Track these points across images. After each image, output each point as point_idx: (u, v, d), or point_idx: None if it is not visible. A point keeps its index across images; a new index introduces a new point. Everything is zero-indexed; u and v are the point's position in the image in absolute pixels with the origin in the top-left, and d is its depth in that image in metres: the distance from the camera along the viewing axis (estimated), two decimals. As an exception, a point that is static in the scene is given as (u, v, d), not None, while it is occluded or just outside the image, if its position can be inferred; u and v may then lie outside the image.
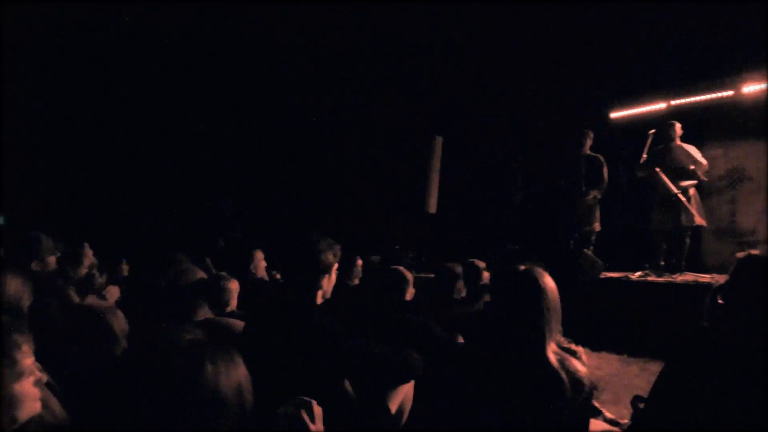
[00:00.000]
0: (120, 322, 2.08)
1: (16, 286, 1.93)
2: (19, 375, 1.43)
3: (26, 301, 1.94)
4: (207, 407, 1.20)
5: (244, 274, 4.91)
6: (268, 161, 11.73)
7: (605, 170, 7.39)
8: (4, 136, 9.76)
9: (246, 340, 2.50)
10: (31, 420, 1.46)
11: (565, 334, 2.19)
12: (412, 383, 2.84)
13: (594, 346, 5.85)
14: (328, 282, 2.62)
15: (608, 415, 3.84)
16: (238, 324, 3.36)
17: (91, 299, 3.05)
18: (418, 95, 10.37)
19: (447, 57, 9.95)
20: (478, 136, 10.15)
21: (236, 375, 1.30)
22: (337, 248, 2.66)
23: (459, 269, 4.38)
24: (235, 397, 1.27)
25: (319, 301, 2.63)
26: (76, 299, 3.72)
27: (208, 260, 6.56)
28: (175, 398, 1.17)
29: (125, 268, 6.23)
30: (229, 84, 11.30)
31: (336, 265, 2.63)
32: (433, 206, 9.80)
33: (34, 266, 3.72)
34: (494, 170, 10.26)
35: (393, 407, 2.72)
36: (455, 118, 10.08)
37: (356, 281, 4.86)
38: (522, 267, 2.07)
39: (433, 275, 5.07)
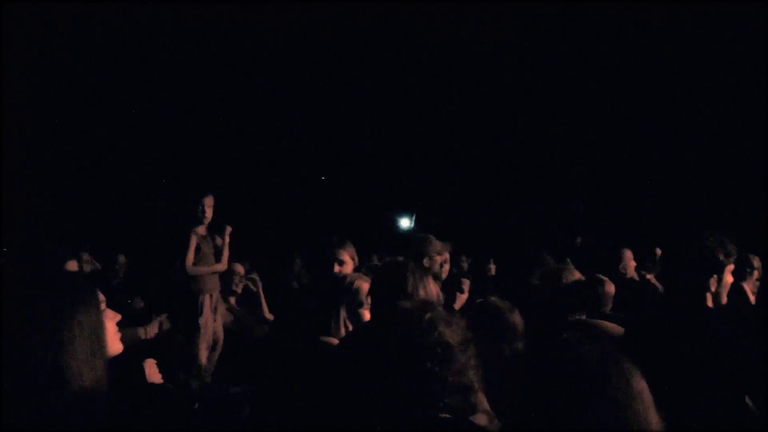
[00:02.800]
0: (519, 320, 2.18)
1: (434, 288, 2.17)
2: None
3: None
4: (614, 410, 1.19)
5: (612, 275, 4.74)
6: (623, 161, 11.20)
7: None
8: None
9: (631, 345, 2.40)
10: None
11: None
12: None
13: None
14: (720, 284, 2.37)
15: None
16: (612, 327, 3.26)
17: (494, 298, 3.23)
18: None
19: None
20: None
21: (638, 383, 1.27)
22: (731, 246, 2.39)
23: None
24: (637, 404, 1.24)
25: (710, 304, 2.39)
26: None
27: (568, 260, 6.53)
28: (587, 401, 1.18)
29: (492, 268, 6.55)
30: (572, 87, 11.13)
31: (731, 267, 2.36)
32: None
33: (425, 263, 4.10)
34: None
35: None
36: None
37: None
38: None
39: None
